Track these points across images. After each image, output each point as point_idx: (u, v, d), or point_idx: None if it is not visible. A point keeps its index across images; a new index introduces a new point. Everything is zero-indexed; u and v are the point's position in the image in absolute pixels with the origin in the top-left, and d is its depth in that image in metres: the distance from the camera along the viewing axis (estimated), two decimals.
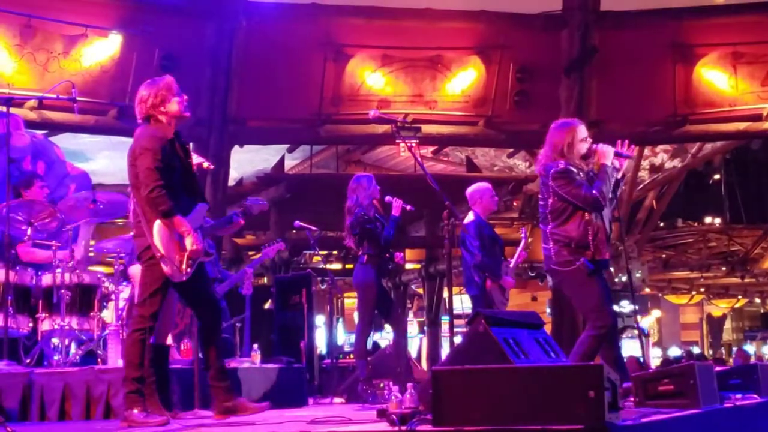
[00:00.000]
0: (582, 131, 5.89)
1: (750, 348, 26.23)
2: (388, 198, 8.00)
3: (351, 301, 21.31)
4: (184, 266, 5.06)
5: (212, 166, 5.86)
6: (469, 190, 8.22)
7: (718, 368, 5.40)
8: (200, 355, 6.86)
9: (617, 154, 5.92)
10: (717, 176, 21.00)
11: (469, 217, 8.10)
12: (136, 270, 5.60)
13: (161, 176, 5.00)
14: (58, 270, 6.84)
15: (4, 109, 6.84)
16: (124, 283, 7.17)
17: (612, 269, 14.46)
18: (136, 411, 4.99)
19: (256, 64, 11.25)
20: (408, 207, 7.96)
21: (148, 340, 5.19)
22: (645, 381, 4.81)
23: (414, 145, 6.15)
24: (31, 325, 6.83)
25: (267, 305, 12.05)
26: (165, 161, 5.06)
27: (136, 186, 5.11)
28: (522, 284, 20.69)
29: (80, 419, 5.92)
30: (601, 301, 5.74)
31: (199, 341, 5.35)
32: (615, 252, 6.04)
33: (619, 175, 6.02)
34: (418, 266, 18.38)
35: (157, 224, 5.02)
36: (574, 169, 5.78)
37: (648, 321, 26.79)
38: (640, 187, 17.57)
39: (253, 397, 6.67)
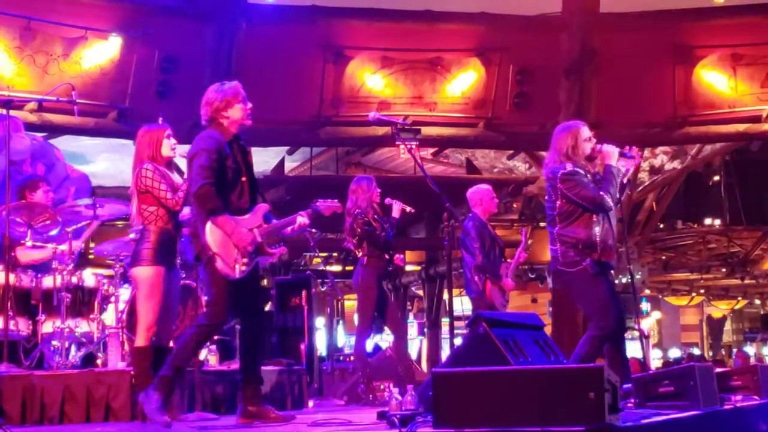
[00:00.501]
0: (585, 132, 5.96)
1: (750, 349, 26.25)
2: (388, 200, 8.01)
3: (351, 303, 21.31)
4: (238, 265, 5.08)
5: None
6: (469, 192, 8.23)
7: (718, 369, 5.40)
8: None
9: (622, 155, 5.96)
10: (717, 178, 20.97)
11: (469, 220, 8.12)
12: (137, 272, 5.59)
13: (214, 176, 5.07)
14: (59, 274, 6.83)
15: (4, 111, 6.83)
16: (125, 286, 7.17)
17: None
18: (157, 397, 5.04)
19: (256, 66, 11.24)
20: (408, 209, 7.97)
21: (212, 336, 5.31)
22: (645, 382, 4.82)
23: (414, 146, 6.15)
24: (31, 327, 6.82)
25: (267, 307, 12.06)
26: (220, 162, 5.15)
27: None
28: (522, 286, 20.70)
29: (80, 422, 5.91)
30: (605, 303, 5.76)
31: (240, 343, 5.39)
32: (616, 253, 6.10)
33: (625, 180, 6.07)
34: (418, 268, 18.39)
35: (210, 222, 5.07)
36: (582, 171, 5.83)
37: (648, 322, 26.80)
38: (640, 188, 17.57)
39: None
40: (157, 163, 5.65)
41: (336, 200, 5.74)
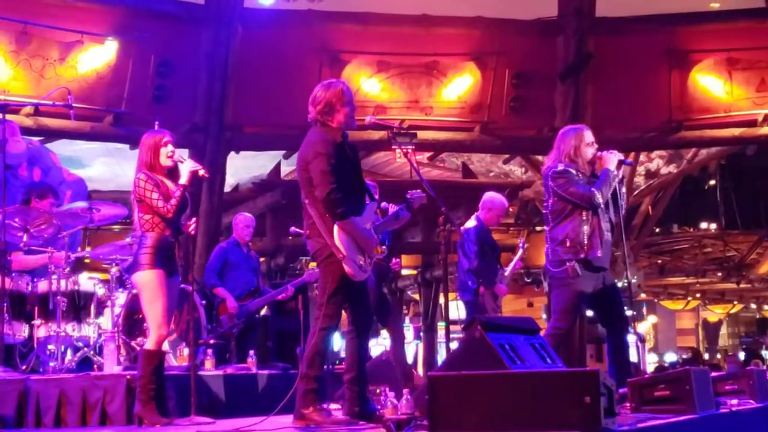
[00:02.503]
0: (588, 136, 6.08)
1: (743, 355, 26.22)
2: (384, 204, 8.00)
3: None
4: (363, 265, 5.19)
5: (207, 175, 5.84)
6: (486, 195, 8.24)
7: (713, 373, 5.41)
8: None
9: (621, 162, 6.04)
10: (712, 182, 21.03)
11: (471, 222, 8.14)
12: (137, 278, 5.57)
13: (336, 180, 5.09)
14: (54, 276, 6.83)
15: (0, 115, 6.83)
16: (120, 290, 7.16)
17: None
18: (312, 409, 5.07)
19: (253, 71, 11.24)
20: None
21: (332, 339, 5.28)
22: (641, 386, 4.82)
23: (410, 151, 6.16)
24: (26, 331, 6.81)
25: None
26: (337, 164, 5.15)
27: (310, 189, 5.18)
28: (518, 290, 20.69)
29: (76, 426, 5.90)
30: (568, 308, 5.91)
31: (348, 344, 5.39)
32: (612, 257, 6.12)
33: (623, 202, 6.13)
34: (414, 272, 18.37)
35: (338, 226, 5.12)
36: (574, 171, 5.92)
37: (644, 327, 26.81)
38: (636, 192, 17.60)
39: (248, 403, 6.67)
40: (156, 170, 5.62)
41: (422, 193, 5.81)
